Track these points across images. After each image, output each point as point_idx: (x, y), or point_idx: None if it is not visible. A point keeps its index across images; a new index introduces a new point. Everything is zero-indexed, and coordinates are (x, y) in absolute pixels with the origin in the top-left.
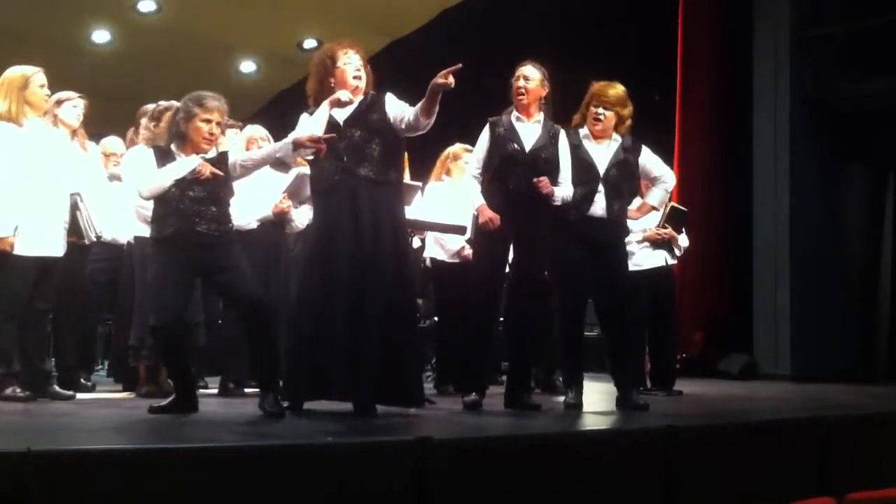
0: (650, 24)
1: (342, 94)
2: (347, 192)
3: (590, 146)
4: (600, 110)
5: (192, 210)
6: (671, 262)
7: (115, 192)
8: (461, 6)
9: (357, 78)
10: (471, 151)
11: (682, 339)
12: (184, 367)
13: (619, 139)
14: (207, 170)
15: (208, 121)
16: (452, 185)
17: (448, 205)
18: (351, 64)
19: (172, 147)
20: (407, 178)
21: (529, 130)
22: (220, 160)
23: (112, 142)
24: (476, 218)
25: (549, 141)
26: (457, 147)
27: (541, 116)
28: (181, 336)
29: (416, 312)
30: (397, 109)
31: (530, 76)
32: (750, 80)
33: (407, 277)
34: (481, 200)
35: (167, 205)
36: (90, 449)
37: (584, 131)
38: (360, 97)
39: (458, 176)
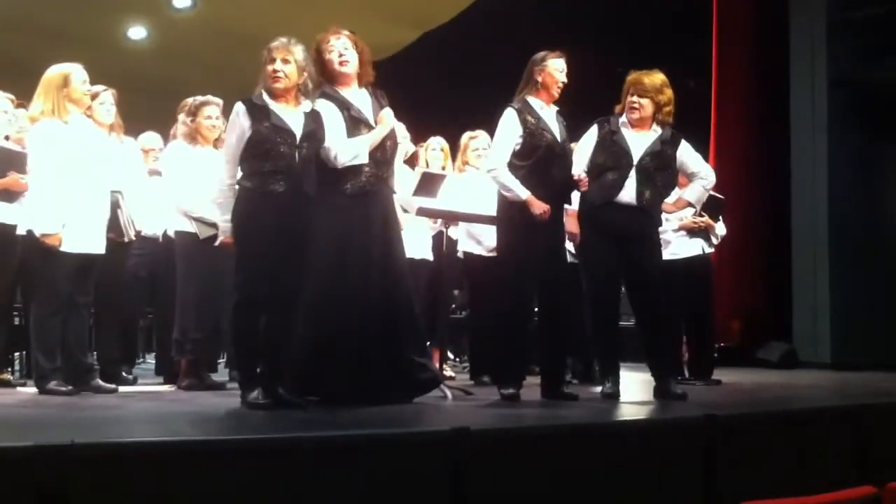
0: (684, 9)
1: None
2: (378, 200)
3: (627, 133)
4: (636, 98)
5: None
6: (708, 250)
7: (154, 187)
8: None
9: (342, 64)
10: (475, 138)
11: (720, 328)
12: None
13: (659, 130)
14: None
15: (272, 59)
16: (474, 175)
17: (472, 195)
18: (334, 51)
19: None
20: (430, 169)
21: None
22: (314, 119)
23: (150, 137)
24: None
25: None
26: (464, 137)
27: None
28: None
29: (414, 309)
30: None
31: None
32: (786, 65)
33: (409, 278)
34: (526, 193)
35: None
36: (133, 441)
37: (623, 119)
38: (366, 91)
39: (475, 165)
